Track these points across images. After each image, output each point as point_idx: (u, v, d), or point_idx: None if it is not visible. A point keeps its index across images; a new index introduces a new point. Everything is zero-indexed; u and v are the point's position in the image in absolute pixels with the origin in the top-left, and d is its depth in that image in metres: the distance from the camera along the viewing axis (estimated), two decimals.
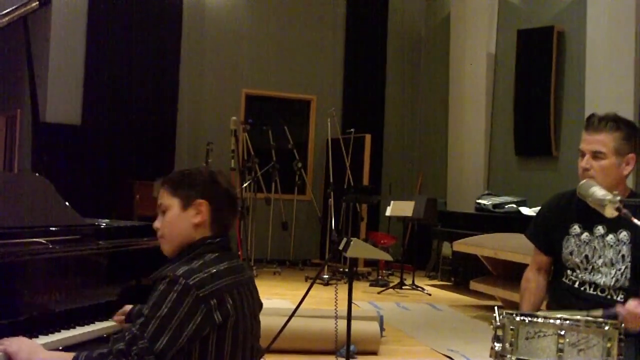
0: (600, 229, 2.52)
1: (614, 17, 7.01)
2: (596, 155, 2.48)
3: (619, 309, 2.19)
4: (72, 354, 1.87)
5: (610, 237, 2.51)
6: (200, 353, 1.87)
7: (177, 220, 2.01)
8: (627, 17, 6.83)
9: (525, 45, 8.30)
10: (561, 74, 7.94)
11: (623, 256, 2.49)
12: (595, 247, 2.53)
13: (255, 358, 2.05)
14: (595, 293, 2.52)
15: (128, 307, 2.41)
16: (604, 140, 2.47)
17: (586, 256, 2.54)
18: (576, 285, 2.56)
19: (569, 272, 2.59)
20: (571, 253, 2.57)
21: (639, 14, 6.78)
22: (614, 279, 2.49)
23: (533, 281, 2.68)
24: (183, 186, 2.02)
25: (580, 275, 2.55)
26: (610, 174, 2.47)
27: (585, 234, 2.55)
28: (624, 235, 2.49)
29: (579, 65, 7.60)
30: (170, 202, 2.02)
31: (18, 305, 2.14)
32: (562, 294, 2.60)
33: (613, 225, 2.48)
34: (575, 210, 2.57)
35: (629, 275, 2.48)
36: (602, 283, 2.50)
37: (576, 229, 2.57)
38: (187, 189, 2.02)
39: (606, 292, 2.50)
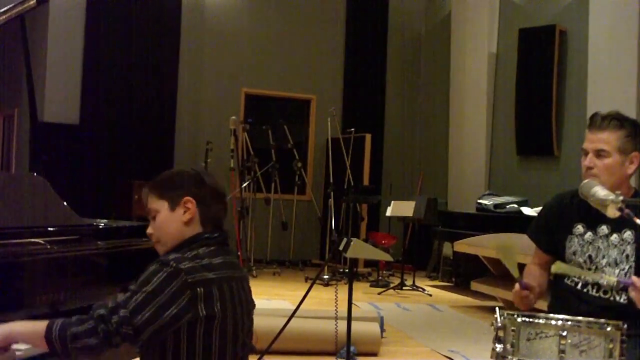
0: (604, 229, 2.50)
1: (616, 16, 7.00)
2: (599, 153, 2.45)
3: (634, 278, 2.16)
4: (46, 322, 1.86)
5: (614, 237, 2.49)
6: (188, 345, 1.89)
7: (168, 222, 2.04)
8: (630, 15, 6.82)
9: (526, 44, 8.28)
10: (563, 73, 7.92)
11: (627, 256, 2.47)
12: (599, 247, 2.50)
13: (245, 355, 2.06)
14: (598, 295, 2.49)
15: None
16: (607, 139, 2.44)
17: (590, 256, 2.52)
18: (579, 286, 2.53)
19: None
20: (574, 253, 2.55)
21: None
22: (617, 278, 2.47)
23: (536, 270, 2.66)
24: (168, 188, 2.06)
25: (582, 276, 2.53)
26: (614, 173, 2.45)
27: (589, 233, 2.52)
28: (628, 234, 2.47)
29: (581, 64, 7.59)
30: (158, 205, 2.06)
31: (16, 305, 2.13)
32: (564, 295, 2.57)
33: (617, 225, 2.46)
34: (578, 210, 2.54)
35: (632, 275, 2.46)
36: (605, 283, 2.48)
37: (579, 228, 2.55)
38: (173, 190, 2.05)
39: (609, 294, 2.48)
